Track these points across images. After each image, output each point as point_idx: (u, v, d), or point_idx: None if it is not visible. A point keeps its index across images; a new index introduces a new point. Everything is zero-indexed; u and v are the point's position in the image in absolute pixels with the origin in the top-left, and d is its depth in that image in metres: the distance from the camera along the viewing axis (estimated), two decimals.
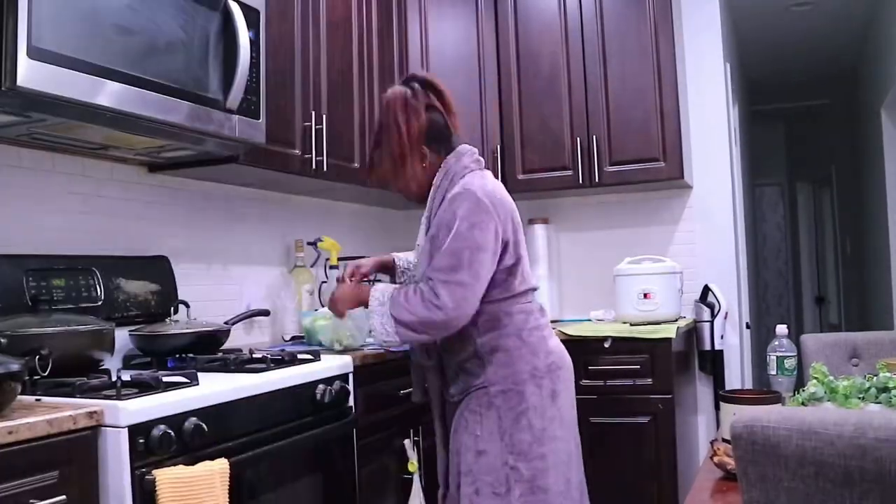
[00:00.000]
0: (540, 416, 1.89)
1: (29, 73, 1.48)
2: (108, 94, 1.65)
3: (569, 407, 1.99)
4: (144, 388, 1.53)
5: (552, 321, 3.31)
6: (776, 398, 1.63)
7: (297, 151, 2.43)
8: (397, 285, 1.97)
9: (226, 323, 2.33)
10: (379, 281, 2.13)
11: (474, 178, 1.92)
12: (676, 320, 2.99)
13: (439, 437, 2.09)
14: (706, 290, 3.25)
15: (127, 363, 2.05)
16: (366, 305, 1.91)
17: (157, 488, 1.40)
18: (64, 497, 1.29)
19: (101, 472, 1.38)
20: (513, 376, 1.89)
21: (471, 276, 1.80)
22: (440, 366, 2.01)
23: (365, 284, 2.00)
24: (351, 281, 2.02)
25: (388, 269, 2.14)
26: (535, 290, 2.00)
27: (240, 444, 1.64)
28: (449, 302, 1.79)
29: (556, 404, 1.93)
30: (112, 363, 1.85)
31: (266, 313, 2.62)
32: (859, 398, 1.48)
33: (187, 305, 2.16)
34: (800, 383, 1.84)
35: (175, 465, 1.46)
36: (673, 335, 2.76)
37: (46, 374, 1.54)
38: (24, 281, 1.82)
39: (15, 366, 1.31)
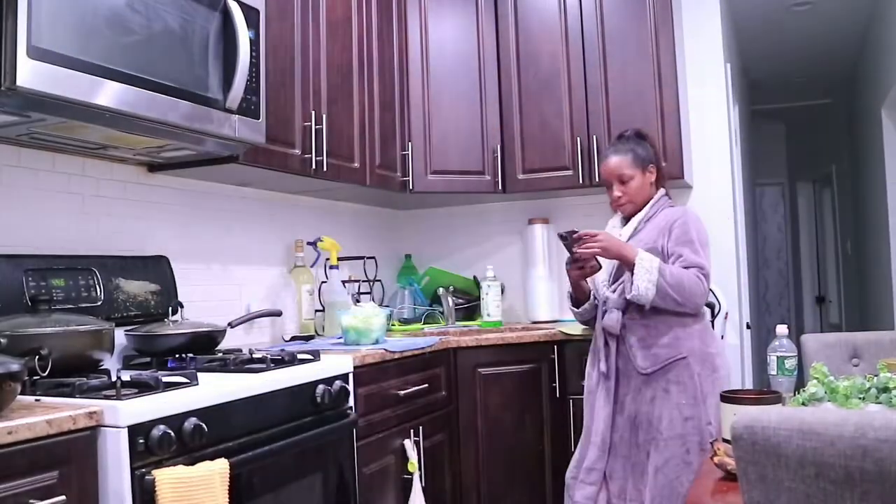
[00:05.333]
0: (726, 382, 2.31)
1: (28, 72, 1.48)
2: (108, 93, 1.65)
3: None
4: (144, 388, 1.53)
5: (552, 321, 3.33)
6: (777, 398, 1.63)
7: (297, 151, 2.43)
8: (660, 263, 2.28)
9: (229, 324, 2.34)
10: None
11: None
12: None
13: (606, 420, 2.33)
14: None
15: (127, 363, 2.05)
16: (629, 266, 2.26)
17: (156, 488, 1.40)
18: (63, 497, 1.28)
19: (101, 472, 1.38)
20: (707, 349, 2.29)
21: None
22: (627, 339, 2.33)
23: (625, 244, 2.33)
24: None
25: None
26: None
27: (240, 444, 1.64)
28: (706, 287, 2.28)
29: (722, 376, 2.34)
30: (112, 363, 1.85)
31: (278, 314, 2.62)
32: (860, 398, 1.48)
33: (182, 306, 2.16)
34: (800, 383, 1.84)
35: (175, 465, 1.46)
36: None
37: (46, 374, 1.54)
38: (23, 281, 1.82)
39: (14, 366, 1.31)
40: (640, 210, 2.45)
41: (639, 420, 2.29)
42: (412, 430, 2.37)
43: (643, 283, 2.22)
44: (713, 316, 3.19)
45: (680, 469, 2.22)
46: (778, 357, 2.12)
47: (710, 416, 2.22)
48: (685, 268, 2.26)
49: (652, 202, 2.44)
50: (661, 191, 2.47)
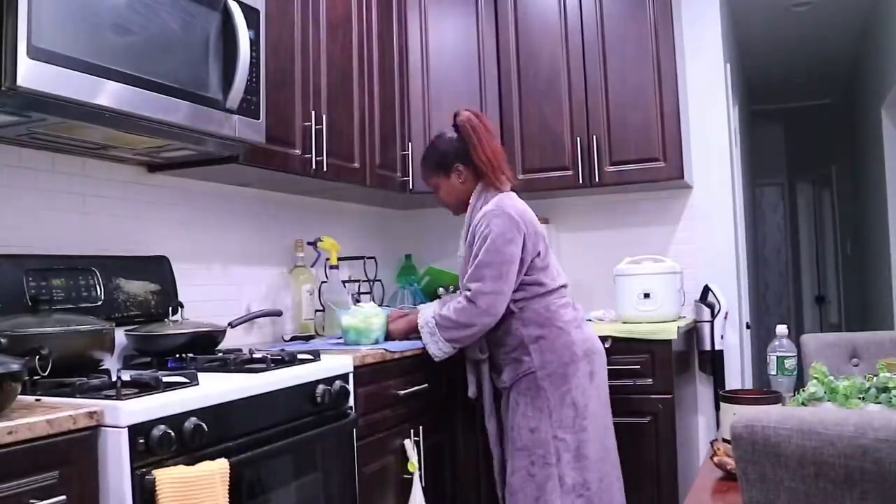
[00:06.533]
0: (581, 393, 2.26)
1: (29, 72, 1.48)
2: (108, 93, 1.65)
3: (604, 385, 2.37)
4: (144, 388, 1.53)
5: None
6: (776, 398, 1.63)
7: (297, 151, 2.43)
8: (436, 311, 2.37)
9: (230, 324, 2.34)
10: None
11: (504, 199, 2.32)
12: (676, 320, 2.99)
13: (493, 434, 2.44)
14: (706, 290, 3.25)
15: (127, 363, 2.05)
16: (417, 333, 2.38)
17: (157, 488, 1.40)
18: (64, 497, 1.28)
19: (101, 472, 1.38)
20: (556, 361, 2.26)
21: (502, 284, 2.23)
22: (491, 359, 2.40)
23: (410, 312, 2.50)
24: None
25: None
26: (565, 286, 2.39)
27: (240, 444, 1.64)
28: (484, 306, 2.23)
29: (593, 383, 2.30)
30: (112, 363, 1.85)
31: (279, 314, 2.62)
32: (859, 398, 1.48)
33: (182, 306, 2.16)
34: (800, 383, 1.84)
35: (175, 465, 1.46)
36: (673, 335, 2.76)
37: (46, 374, 1.54)
38: (23, 281, 1.82)
39: (15, 366, 1.31)
40: (468, 207, 2.43)
41: (506, 432, 2.36)
42: (412, 430, 2.38)
43: (433, 348, 2.34)
44: (713, 316, 3.20)
45: (524, 481, 2.25)
46: (778, 357, 2.13)
47: (556, 430, 2.23)
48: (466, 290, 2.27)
49: (472, 199, 2.41)
50: (479, 185, 2.41)
